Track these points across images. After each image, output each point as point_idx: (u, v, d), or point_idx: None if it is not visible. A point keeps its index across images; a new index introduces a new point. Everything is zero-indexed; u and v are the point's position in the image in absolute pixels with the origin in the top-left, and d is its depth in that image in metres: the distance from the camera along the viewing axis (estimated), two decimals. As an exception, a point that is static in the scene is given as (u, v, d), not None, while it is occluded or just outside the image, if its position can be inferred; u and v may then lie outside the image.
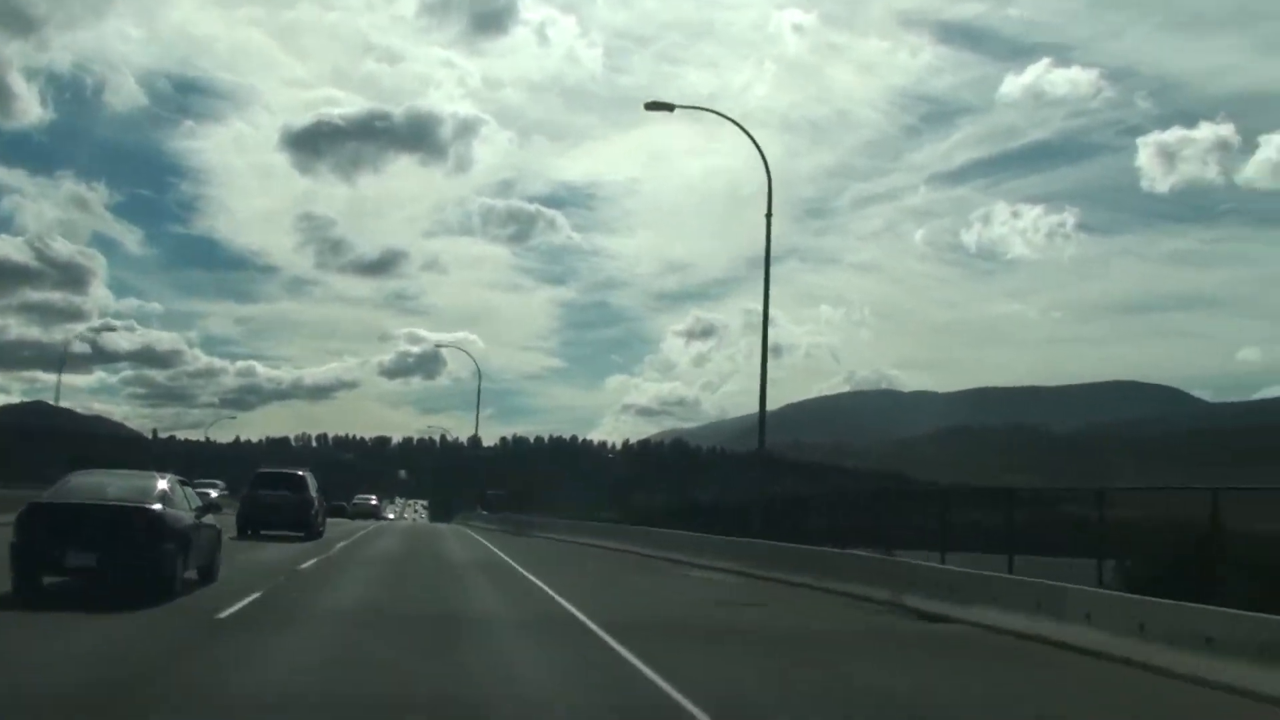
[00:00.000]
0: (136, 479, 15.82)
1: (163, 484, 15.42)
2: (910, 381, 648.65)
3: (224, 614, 13.24)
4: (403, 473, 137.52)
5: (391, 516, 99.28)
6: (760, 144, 30.01)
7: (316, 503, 34.39)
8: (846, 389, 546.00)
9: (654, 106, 29.93)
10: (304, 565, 21.87)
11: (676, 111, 30.13)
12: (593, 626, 13.81)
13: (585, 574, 25.44)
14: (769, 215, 29.92)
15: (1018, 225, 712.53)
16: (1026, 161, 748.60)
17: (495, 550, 33.30)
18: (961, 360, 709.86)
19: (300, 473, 34.95)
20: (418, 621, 14.05)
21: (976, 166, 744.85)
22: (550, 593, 18.79)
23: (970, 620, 15.86)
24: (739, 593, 20.94)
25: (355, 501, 73.85)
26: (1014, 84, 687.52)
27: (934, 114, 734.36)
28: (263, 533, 31.62)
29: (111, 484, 15.24)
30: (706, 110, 32.15)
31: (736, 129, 30.63)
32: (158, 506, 14.49)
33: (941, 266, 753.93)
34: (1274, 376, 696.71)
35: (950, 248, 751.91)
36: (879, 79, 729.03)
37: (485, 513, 71.82)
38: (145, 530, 14.02)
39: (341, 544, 31.23)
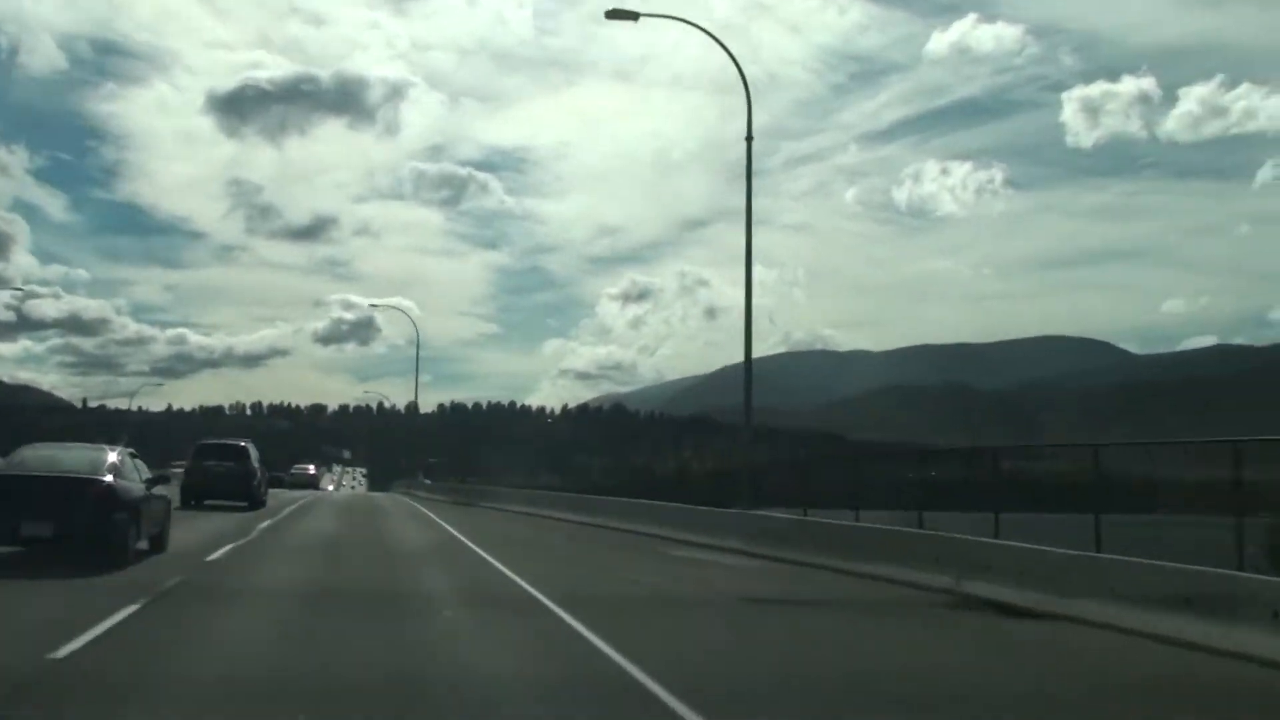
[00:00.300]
0: (88, 451, 16.15)
1: (113, 456, 15.66)
2: (846, 341, 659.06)
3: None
4: (346, 453, 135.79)
5: (331, 488, 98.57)
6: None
7: (259, 473, 34.69)
8: (783, 349, 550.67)
9: (616, 15, 27.22)
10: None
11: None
12: (640, 677, 8.43)
13: (565, 560, 20.50)
14: (749, 139, 26.91)
15: (947, 182, 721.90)
16: (954, 118, 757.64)
17: (447, 528, 28.06)
18: (896, 318, 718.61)
19: (242, 443, 35.17)
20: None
21: (905, 124, 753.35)
22: (535, 593, 13.69)
23: (1079, 617, 12.19)
24: (770, 583, 17.18)
25: (293, 471, 73.51)
26: (940, 41, 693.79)
27: (862, 73, 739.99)
28: (206, 502, 31.83)
29: (64, 456, 15.64)
30: (675, 19, 30.08)
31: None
32: (109, 478, 14.78)
33: (873, 225, 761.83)
34: (1197, 327, 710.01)
35: (881, 206, 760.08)
36: (807, 38, 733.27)
37: (428, 481, 68.79)
38: (98, 500, 14.29)
39: (265, 523, 26.34)
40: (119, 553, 14.47)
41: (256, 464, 34.58)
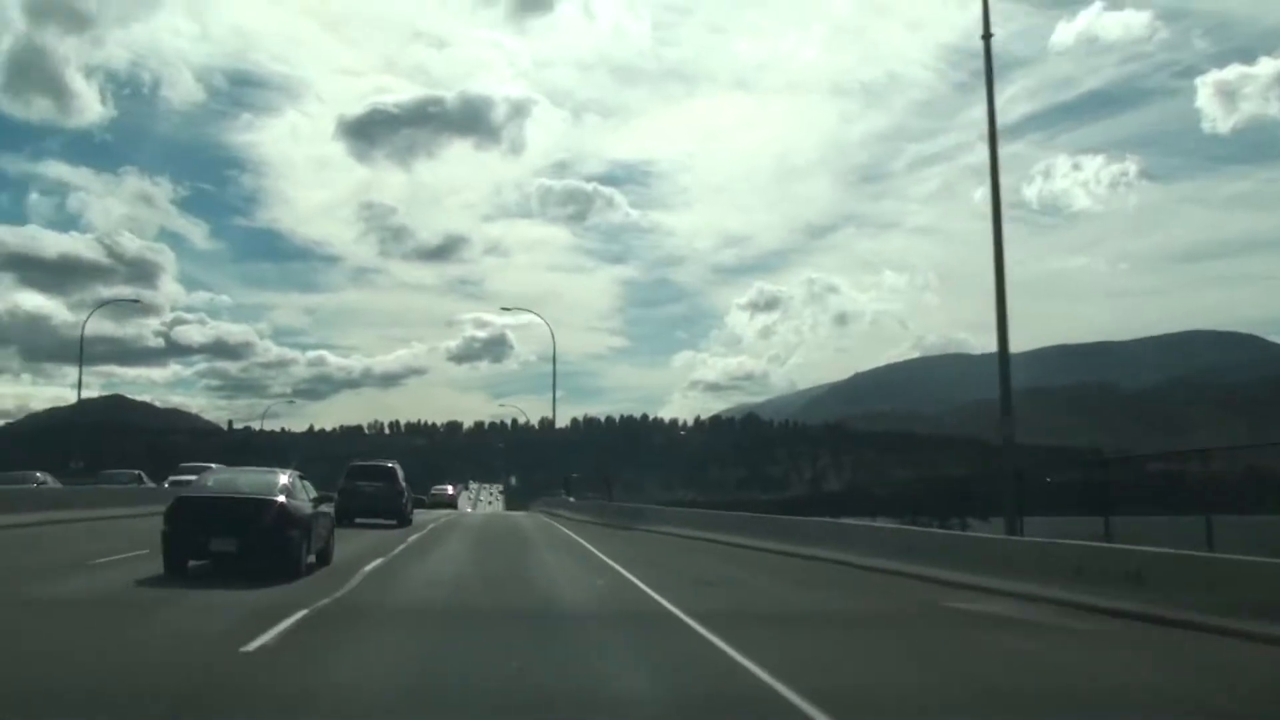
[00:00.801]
0: (263, 475, 17.72)
1: (285, 479, 17.24)
2: (981, 343, 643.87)
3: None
4: (512, 478, 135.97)
5: (469, 508, 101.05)
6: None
7: (406, 492, 36.79)
8: (916, 355, 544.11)
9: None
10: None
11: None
12: None
13: (841, 638, 12.61)
14: (986, 36, 24.19)
15: (1079, 177, 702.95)
16: (1084, 111, 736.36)
17: (610, 563, 21.47)
18: (1031, 318, 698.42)
19: (390, 464, 37.37)
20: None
21: (1033, 120, 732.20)
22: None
23: None
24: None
25: (433, 492, 76.22)
26: (1066, 31, 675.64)
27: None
28: (356, 520, 33.60)
29: (242, 480, 17.37)
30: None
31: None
32: (283, 498, 16.33)
33: (1004, 225, 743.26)
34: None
35: (1012, 204, 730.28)
36: (928, 36, 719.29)
37: (571, 499, 61.28)
38: (275, 519, 15.85)
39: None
40: (293, 566, 15.98)
41: (403, 484, 36.63)
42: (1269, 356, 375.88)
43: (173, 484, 39.88)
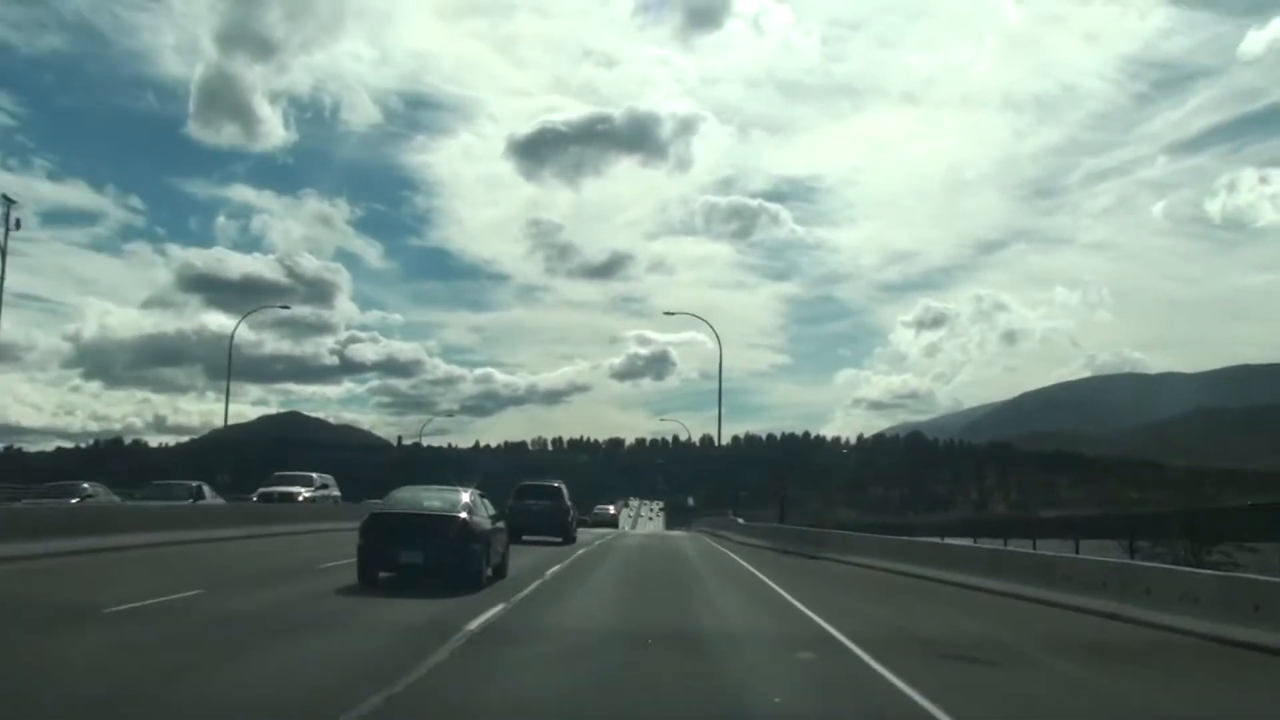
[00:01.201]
0: (446, 493, 18.97)
1: (467, 497, 18.49)
2: (1156, 363, 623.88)
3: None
4: (690, 499, 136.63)
5: (628, 527, 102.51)
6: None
7: (571, 511, 38.37)
8: (1087, 374, 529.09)
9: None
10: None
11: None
12: None
13: None
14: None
15: (1266, 191, 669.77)
16: (1273, 122, 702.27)
17: (825, 626, 14.11)
18: (1211, 338, 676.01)
19: (556, 484, 39.02)
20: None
21: (1217, 132, 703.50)
22: None
23: None
24: None
25: (595, 511, 78.90)
26: (1256, 40, 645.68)
27: (1167, 80, 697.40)
28: (524, 538, 34.88)
29: (427, 497, 18.68)
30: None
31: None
32: (465, 515, 17.58)
33: (1183, 240, 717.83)
34: None
35: (1192, 220, 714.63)
36: (1106, 47, 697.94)
37: (739, 520, 55.13)
38: (458, 534, 17.10)
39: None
40: (474, 578, 17.19)
41: (569, 502, 38.18)
42: None
43: (261, 496, 41.34)
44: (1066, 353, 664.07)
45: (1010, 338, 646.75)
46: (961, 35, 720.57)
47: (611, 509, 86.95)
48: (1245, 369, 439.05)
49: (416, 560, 16.97)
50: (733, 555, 32.91)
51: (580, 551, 29.48)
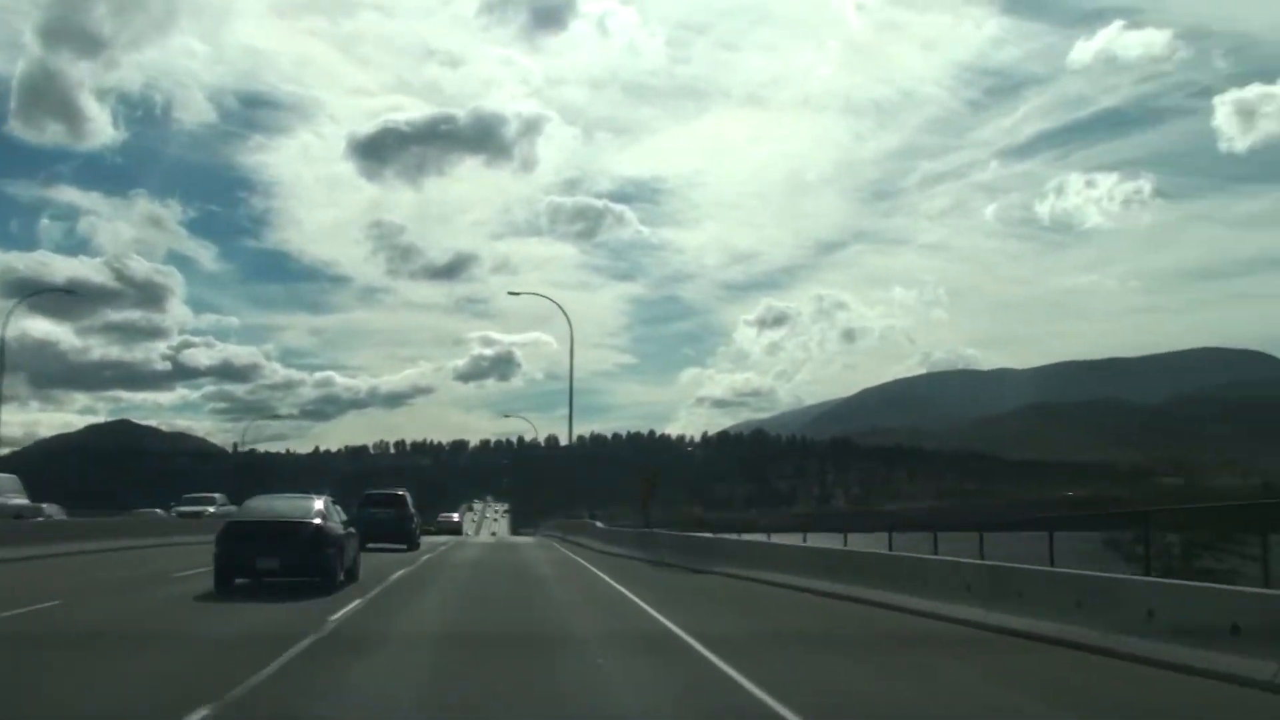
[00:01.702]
0: (300, 500, 19.68)
1: (319, 504, 19.12)
2: (988, 360, 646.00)
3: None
4: (493, 502, 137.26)
5: (471, 533, 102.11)
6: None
7: (414, 518, 39.20)
8: (923, 371, 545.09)
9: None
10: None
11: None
12: None
13: None
14: None
15: (1092, 195, 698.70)
16: (1099, 129, 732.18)
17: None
18: (1040, 335, 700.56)
19: (400, 492, 39.71)
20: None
21: (1047, 138, 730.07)
22: None
23: None
24: None
25: (439, 520, 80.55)
26: (1084, 50, 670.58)
27: (999, 87, 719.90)
28: (369, 545, 35.52)
29: (281, 505, 19.33)
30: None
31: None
32: (318, 521, 18.15)
33: (1014, 242, 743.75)
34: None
35: (1022, 222, 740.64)
36: (942, 54, 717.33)
37: (599, 524, 48.41)
38: (312, 540, 17.68)
39: (424, 558, 31.10)
40: (329, 581, 17.77)
41: (412, 509, 38.97)
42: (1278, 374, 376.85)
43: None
44: (904, 350, 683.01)
45: (850, 336, 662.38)
46: (804, 40, 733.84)
47: (455, 516, 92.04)
48: (1072, 365, 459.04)
49: (273, 566, 17.51)
50: (595, 570, 26.66)
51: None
